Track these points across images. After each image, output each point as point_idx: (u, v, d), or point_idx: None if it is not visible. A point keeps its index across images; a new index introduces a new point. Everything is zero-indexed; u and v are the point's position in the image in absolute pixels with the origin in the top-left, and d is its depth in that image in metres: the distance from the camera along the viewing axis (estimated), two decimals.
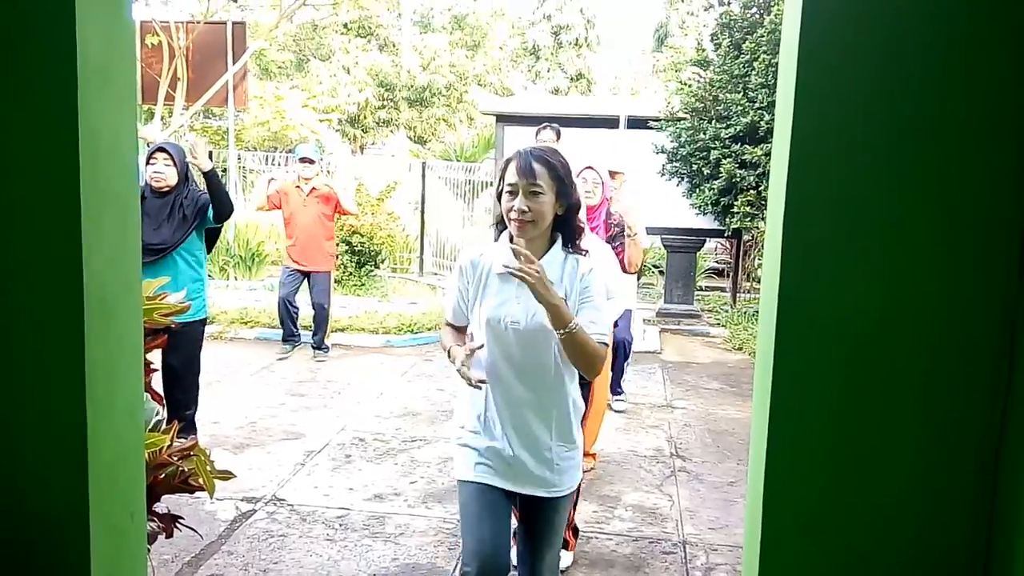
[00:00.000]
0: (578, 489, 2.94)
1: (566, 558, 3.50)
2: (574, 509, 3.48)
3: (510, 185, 2.16)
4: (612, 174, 4.78)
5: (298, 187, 6.78)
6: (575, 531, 3.57)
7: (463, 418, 2.36)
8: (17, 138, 1.33)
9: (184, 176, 4.29)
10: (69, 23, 1.29)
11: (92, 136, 1.34)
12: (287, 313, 6.97)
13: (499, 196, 2.23)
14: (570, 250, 2.25)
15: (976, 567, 1.33)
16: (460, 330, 2.41)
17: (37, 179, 1.33)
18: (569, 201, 2.20)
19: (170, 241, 4.23)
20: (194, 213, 4.30)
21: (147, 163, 4.26)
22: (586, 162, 4.32)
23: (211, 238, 4.59)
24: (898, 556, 1.34)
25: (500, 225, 2.29)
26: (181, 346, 4.14)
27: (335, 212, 6.96)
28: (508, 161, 2.20)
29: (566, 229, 2.24)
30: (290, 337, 7.03)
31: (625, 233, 4.51)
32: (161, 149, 4.27)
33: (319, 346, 6.98)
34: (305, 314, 7.16)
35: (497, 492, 2.28)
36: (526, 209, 2.13)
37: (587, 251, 2.31)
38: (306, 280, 6.91)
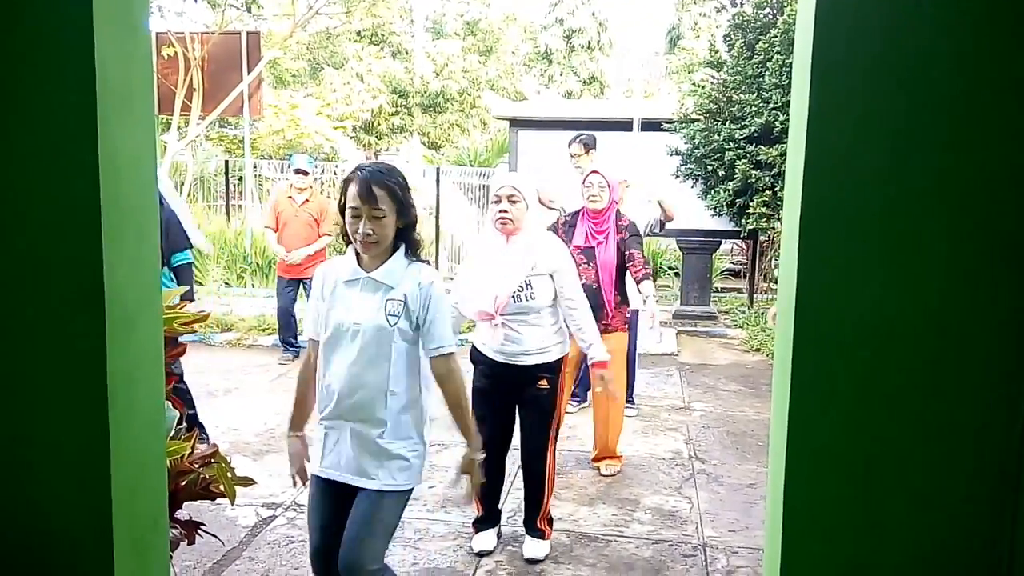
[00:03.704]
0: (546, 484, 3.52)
1: (543, 547, 3.58)
2: (547, 500, 3.60)
3: (353, 208, 2.35)
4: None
5: (290, 197, 6.86)
6: (550, 521, 3.66)
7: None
8: (39, 156, 1.35)
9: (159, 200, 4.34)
10: (87, 42, 1.31)
11: (112, 153, 1.36)
12: (287, 323, 7.05)
13: (341, 210, 2.42)
14: (412, 259, 2.47)
15: (998, 572, 1.32)
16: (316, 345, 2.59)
17: (58, 195, 1.35)
18: (408, 218, 2.42)
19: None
20: (165, 248, 4.47)
21: None
22: (592, 166, 4.34)
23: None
24: (919, 562, 1.33)
25: (347, 238, 2.46)
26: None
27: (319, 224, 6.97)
28: (348, 180, 2.39)
29: (407, 240, 2.46)
30: (290, 347, 7.09)
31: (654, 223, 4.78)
32: None
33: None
34: None
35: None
36: (370, 232, 2.34)
37: (428, 260, 2.58)
38: (302, 289, 6.93)
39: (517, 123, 9.89)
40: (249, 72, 10.65)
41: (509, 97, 22.64)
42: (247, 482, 2.50)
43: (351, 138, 19.97)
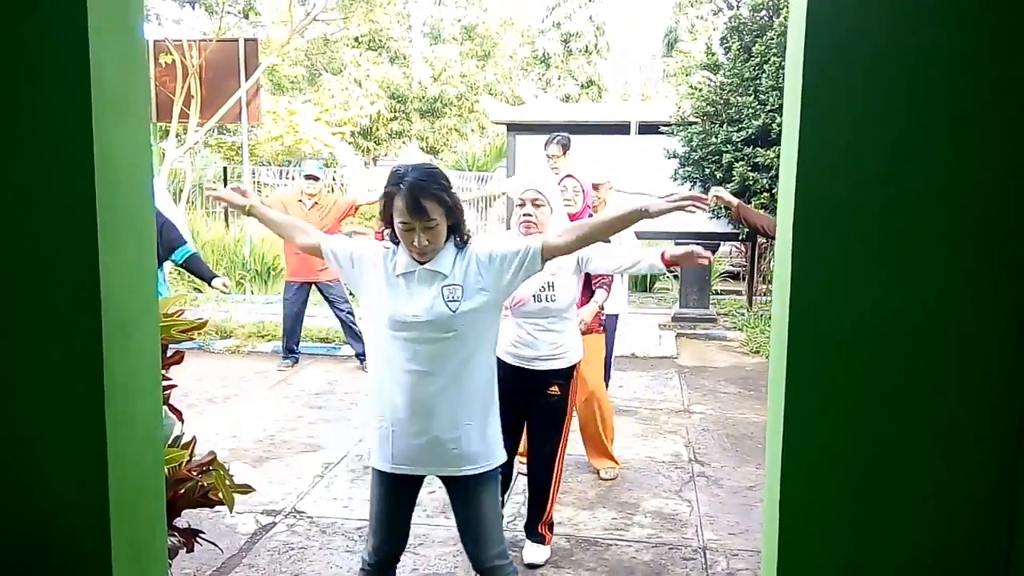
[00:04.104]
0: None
1: (543, 552, 3.57)
2: (551, 506, 3.59)
3: (404, 223, 2.31)
4: (595, 186, 4.77)
5: (300, 201, 6.86)
6: (551, 526, 3.65)
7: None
8: (35, 160, 1.36)
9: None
10: (83, 50, 1.32)
11: (108, 160, 1.36)
12: (293, 330, 7.02)
13: (387, 220, 2.37)
14: (461, 246, 2.43)
15: (996, 573, 1.32)
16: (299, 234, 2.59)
17: (55, 203, 1.36)
18: (457, 215, 2.38)
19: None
20: (163, 249, 4.80)
21: None
22: (568, 169, 4.35)
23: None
24: (918, 562, 1.33)
25: (394, 239, 2.42)
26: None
27: (344, 217, 7.00)
28: (391, 194, 2.32)
29: (455, 233, 2.42)
30: (290, 353, 7.08)
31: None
32: None
33: (363, 355, 6.94)
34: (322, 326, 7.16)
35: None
36: (426, 243, 2.32)
37: (470, 238, 2.47)
38: (319, 293, 6.93)
39: (515, 127, 9.89)
40: (247, 79, 10.66)
41: (507, 101, 22.66)
42: (246, 489, 2.50)
43: (349, 144, 19.99)
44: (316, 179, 6.90)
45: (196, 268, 5.53)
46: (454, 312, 2.34)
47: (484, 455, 2.45)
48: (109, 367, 1.39)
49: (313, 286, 6.89)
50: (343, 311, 6.90)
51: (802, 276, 1.31)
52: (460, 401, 2.38)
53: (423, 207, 2.27)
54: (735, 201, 4.45)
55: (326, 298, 6.94)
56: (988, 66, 1.24)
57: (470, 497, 2.47)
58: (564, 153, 5.84)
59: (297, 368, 7.06)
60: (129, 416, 1.47)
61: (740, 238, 9.19)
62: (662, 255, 3.22)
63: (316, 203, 6.84)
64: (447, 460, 2.41)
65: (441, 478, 2.49)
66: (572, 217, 4.34)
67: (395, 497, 2.51)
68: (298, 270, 6.83)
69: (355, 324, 6.87)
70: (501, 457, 2.51)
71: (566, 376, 3.47)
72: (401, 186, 2.30)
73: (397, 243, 2.42)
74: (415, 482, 2.52)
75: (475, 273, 2.39)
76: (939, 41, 1.24)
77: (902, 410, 1.31)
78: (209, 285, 5.68)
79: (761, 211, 4.60)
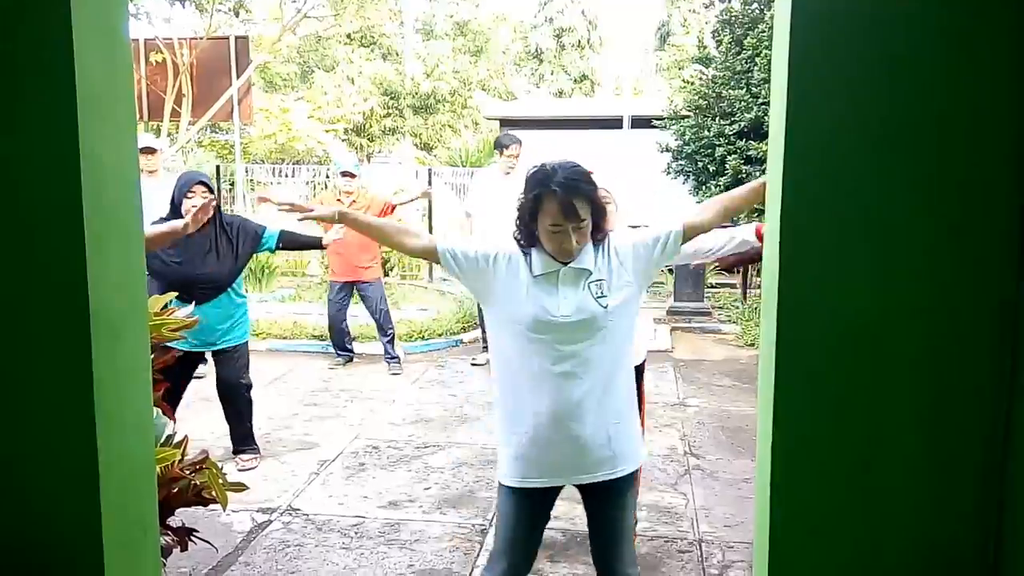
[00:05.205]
0: None
1: None
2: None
3: (555, 226, 2.20)
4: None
5: (339, 200, 6.82)
6: None
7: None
8: (19, 164, 1.35)
9: (216, 206, 4.49)
10: (67, 51, 1.31)
11: (94, 162, 1.36)
12: (340, 331, 7.02)
13: (530, 215, 2.25)
14: (598, 239, 2.34)
15: (985, 562, 1.33)
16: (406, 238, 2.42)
17: (41, 206, 1.35)
18: (600, 213, 2.28)
19: (227, 281, 4.52)
20: (248, 249, 4.62)
21: (185, 196, 4.36)
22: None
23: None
24: (907, 553, 1.34)
25: (528, 241, 2.31)
26: (234, 364, 4.69)
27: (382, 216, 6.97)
28: (540, 195, 2.21)
29: (596, 230, 2.31)
30: (343, 351, 7.10)
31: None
32: (201, 182, 4.42)
33: (392, 357, 6.96)
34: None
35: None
36: (576, 243, 2.23)
37: (609, 230, 2.39)
38: (356, 293, 6.94)
39: (507, 123, 9.91)
40: (238, 77, 10.63)
41: (500, 97, 22.65)
42: (239, 488, 2.50)
43: (343, 140, 19.96)
44: (352, 176, 6.82)
45: (296, 241, 5.02)
46: (605, 308, 2.25)
47: (634, 454, 2.37)
48: (98, 368, 1.38)
49: (353, 288, 6.90)
50: (380, 311, 6.89)
51: (790, 270, 1.31)
52: (607, 400, 2.29)
53: (575, 208, 2.18)
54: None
55: (363, 298, 6.94)
56: (973, 60, 1.24)
57: (616, 501, 2.36)
58: (520, 146, 5.92)
59: (292, 366, 7.06)
60: (119, 417, 1.46)
61: None
62: (756, 230, 3.01)
63: (354, 201, 6.77)
64: (596, 464, 2.30)
65: (583, 486, 2.37)
66: None
67: (533, 515, 2.38)
68: (341, 271, 6.83)
69: (390, 326, 6.93)
70: (645, 455, 2.45)
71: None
72: (552, 187, 2.19)
73: (531, 246, 2.31)
74: (553, 495, 2.40)
75: (618, 265, 2.32)
76: (924, 36, 1.24)
77: (891, 402, 1.31)
78: (323, 248, 5.15)
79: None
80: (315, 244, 5.06)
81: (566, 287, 2.25)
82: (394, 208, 6.97)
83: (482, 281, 2.34)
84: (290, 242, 4.94)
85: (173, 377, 4.57)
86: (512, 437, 2.32)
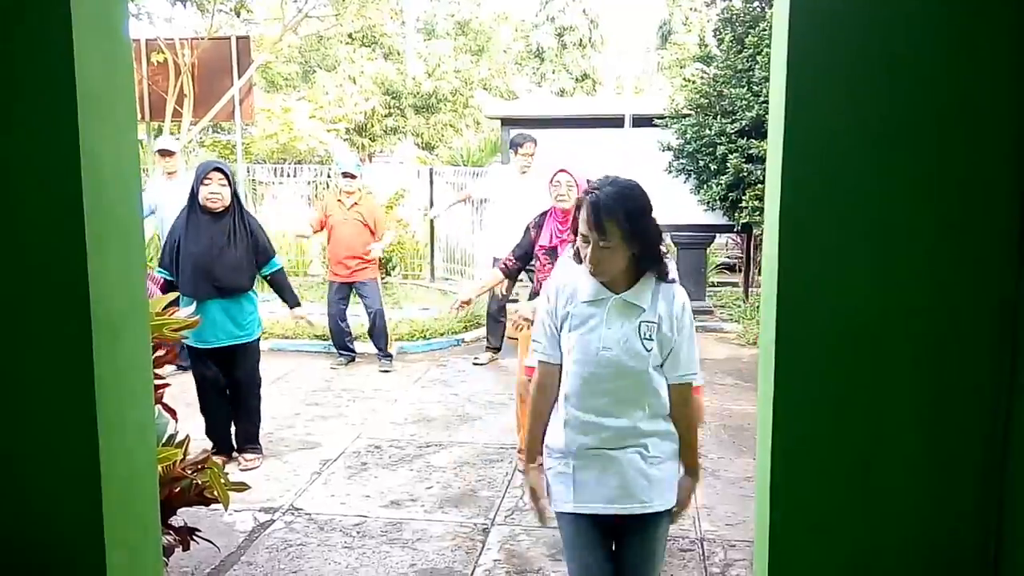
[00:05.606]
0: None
1: None
2: None
3: (582, 234, 2.20)
4: (589, 182, 4.76)
5: (339, 201, 6.82)
6: None
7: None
8: (20, 166, 1.36)
9: (235, 196, 4.50)
10: (67, 51, 1.31)
11: (94, 162, 1.36)
12: (340, 331, 7.03)
13: (575, 227, 2.25)
14: (661, 280, 2.28)
15: (985, 561, 1.33)
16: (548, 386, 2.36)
17: (41, 205, 1.35)
18: (644, 243, 2.21)
19: (246, 285, 4.62)
20: (257, 259, 4.71)
21: (201, 183, 4.38)
22: (560, 165, 4.32)
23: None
24: (908, 551, 1.34)
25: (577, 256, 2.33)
26: (245, 361, 4.72)
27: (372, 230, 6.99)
28: (579, 203, 2.22)
29: (651, 261, 2.26)
30: (345, 351, 7.11)
31: None
32: (217, 169, 4.45)
33: (384, 354, 7.00)
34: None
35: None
36: (597, 262, 2.19)
37: (675, 279, 2.35)
38: (355, 292, 6.95)
39: (509, 122, 9.89)
40: (240, 77, 10.63)
41: (502, 96, 22.64)
42: (241, 487, 2.51)
43: (344, 140, 19.96)
44: (353, 177, 6.81)
45: (283, 285, 5.04)
46: (648, 352, 2.22)
47: (670, 493, 2.33)
48: (99, 368, 1.39)
49: (351, 288, 6.91)
50: (374, 311, 6.90)
51: (789, 268, 1.31)
52: (648, 435, 2.27)
53: (603, 226, 2.15)
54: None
55: (361, 297, 6.95)
56: (973, 59, 1.24)
57: (648, 534, 2.33)
58: (536, 145, 5.89)
59: (294, 365, 7.06)
60: (120, 417, 1.47)
61: (735, 229, 9.19)
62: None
63: (356, 203, 6.78)
64: (634, 496, 2.27)
65: (620, 517, 2.32)
66: (565, 212, 4.32)
67: (592, 541, 2.33)
68: (338, 271, 6.85)
69: (382, 324, 6.94)
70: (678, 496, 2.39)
71: None
72: (591, 195, 2.19)
73: (579, 261, 2.30)
74: (605, 524, 2.33)
75: (676, 319, 2.27)
76: (924, 35, 1.24)
77: (891, 401, 1.31)
78: (289, 308, 5.20)
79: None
80: (292, 302, 5.13)
81: (614, 319, 2.22)
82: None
83: (557, 312, 2.34)
84: (279, 283, 4.99)
85: (208, 382, 4.63)
86: (559, 463, 2.33)
